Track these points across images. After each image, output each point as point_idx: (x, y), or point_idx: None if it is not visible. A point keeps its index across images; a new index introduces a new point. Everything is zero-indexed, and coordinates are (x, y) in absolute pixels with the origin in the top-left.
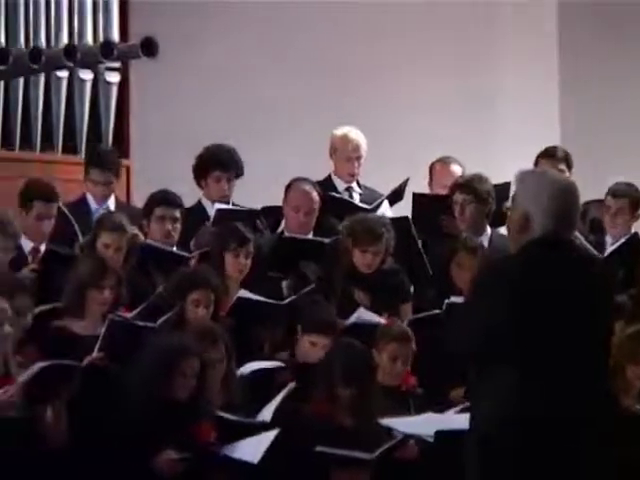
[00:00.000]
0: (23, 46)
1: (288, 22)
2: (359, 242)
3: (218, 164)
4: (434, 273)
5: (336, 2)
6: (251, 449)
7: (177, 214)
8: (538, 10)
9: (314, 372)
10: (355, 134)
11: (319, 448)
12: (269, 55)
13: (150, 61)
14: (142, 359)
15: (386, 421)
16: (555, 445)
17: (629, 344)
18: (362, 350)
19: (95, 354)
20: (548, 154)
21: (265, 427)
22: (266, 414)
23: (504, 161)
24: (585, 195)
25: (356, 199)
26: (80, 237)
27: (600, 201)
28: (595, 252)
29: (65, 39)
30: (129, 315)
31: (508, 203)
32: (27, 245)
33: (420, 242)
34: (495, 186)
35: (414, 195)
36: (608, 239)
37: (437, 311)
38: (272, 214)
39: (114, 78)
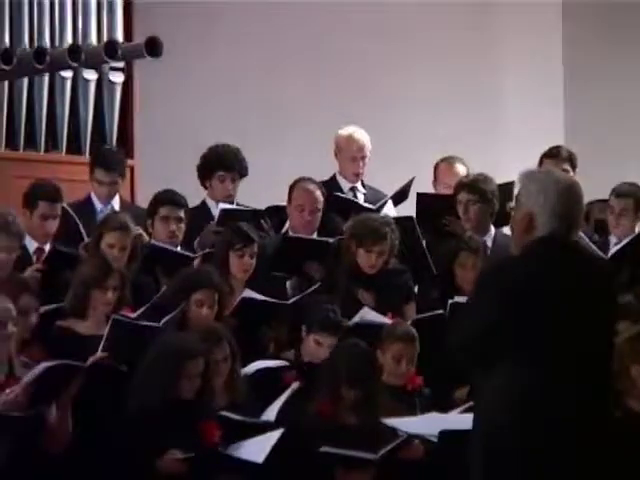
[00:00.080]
0: (27, 46)
1: (292, 22)
2: (363, 242)
3: (222, 164)
4: (438, 273)
5: (340, 2)
6: (256, 449)
7: (181, 214)
8: (542, 9)
9: (320, 372)
10: (360, 134)
11: (323, 448)
12: (273, 55)
13: (154, 61)
14: (147, 359)
15: (390, 421)
16: (558, 445)
17: (633, 344)
18: (366, 350)
19: (99, 354)
20: (552, 154)
21: (270, 427)
22: (270, 414)
23: (508, 161)
24: (589, 195)
25: (360, 199)
26: (85, 237)
27: (604, 201)
28: (599, 252)
29: (69, 39)
30: (133, 315)
31: (512, 203)
32: (32, 245)
33: (424, 242)
34: (499, 186)
35: (418, 195)
36: (612, 239)
37: (440, 311)
38: (277, 214)
39: (118, 78)
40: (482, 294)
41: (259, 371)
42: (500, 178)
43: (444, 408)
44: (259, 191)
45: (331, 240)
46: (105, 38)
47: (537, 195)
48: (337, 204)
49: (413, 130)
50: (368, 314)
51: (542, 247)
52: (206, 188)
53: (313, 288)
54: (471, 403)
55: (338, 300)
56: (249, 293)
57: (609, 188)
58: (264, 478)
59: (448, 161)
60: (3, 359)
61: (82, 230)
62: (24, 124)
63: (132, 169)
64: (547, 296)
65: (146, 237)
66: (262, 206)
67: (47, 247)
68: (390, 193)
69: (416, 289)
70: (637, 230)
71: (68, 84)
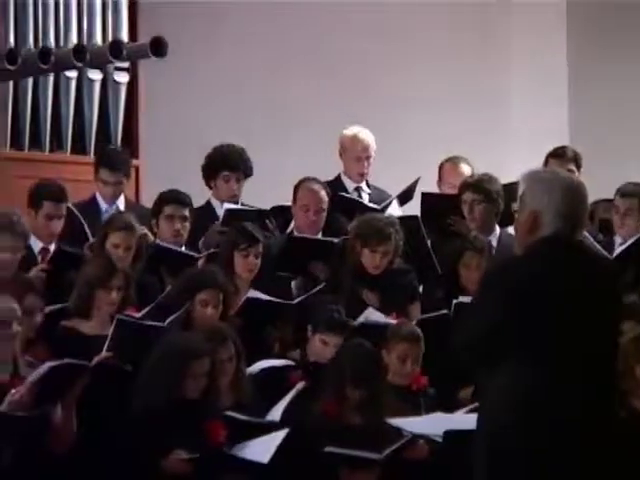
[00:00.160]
0: (32, 46)
1: (296, 22)
2: (368, 242)
3: (227, 164)
4: (442, 273)
5: (344, 3)
6: (261, 449)
7: (186, 213)
8: (547, 9)
9: (325, 371)
10: (365, 134)
11: (328, 448)
12: (277, 55)
13: (159, 61)
14: (152, 359)
15: (395, 421)
16: (562, 446)
17: (638, 344)
18: (371, 350)
19: (104, 354)
20: (558, 154)
21: (275, 427)
22: (275, 414)
23: (513, 161)
24: (594, 195)
25: (365, 199)
26: (90, 237)
27: (609, 201)
28: (604, 252)
29: (74, 39)
30: (137, 315)
31: (517, 204)
32: (36, 245)
33: (429, 242)
34: (504, 186)
35: (423, 195)
36: (617, 239)
37: (445, 311)
38: (281, 214)
39: (123, 78)
40: (487, 294)
41: (264, 371)
42: (505, 178)
43: (449, 408)
44: (264, 191)
45: (336, 240)
46: (110, 38)
47: (541, 195)
48: (342, 204)
49: (418, 130)
50: (373, 314)
51: (546, 247)
52: (211, 188)
53: (318, 288)
54: (476, 403)
55: (343, 300)
56: (254, 293)
57: (612, 188)
58: (269, 478)
59: (453, 161)
60: (8, 359)
61: (87, 230)
62: (29, 124)
63: (137, 169)
64: (552, 296)
65: (151, 237)
66: (267, 206)
67: (52, 247)
68: (395, 193)
69: (421, 289)
70: None
71: (73, 84)
